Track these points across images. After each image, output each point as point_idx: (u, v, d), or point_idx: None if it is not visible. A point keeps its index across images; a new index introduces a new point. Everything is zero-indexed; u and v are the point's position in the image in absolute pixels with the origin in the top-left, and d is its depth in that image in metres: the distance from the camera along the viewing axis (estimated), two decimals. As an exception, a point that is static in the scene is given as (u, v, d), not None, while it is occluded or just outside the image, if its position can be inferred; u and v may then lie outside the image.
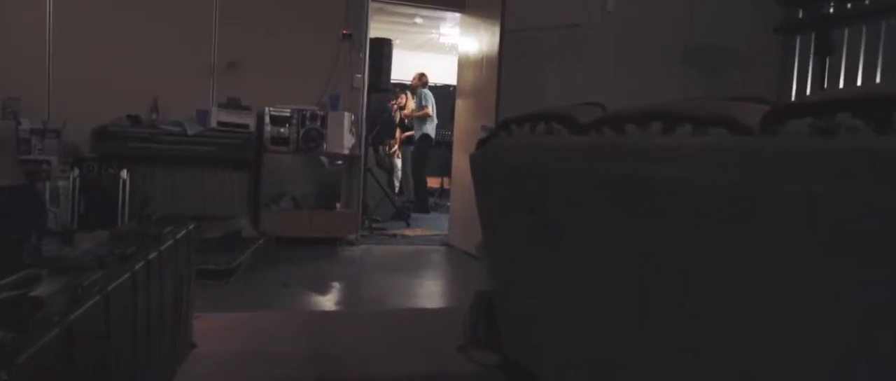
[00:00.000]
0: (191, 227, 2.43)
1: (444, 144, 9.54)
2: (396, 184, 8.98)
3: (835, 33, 4.79)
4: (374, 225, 6.52)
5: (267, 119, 5.10)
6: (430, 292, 4.42)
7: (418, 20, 9.63)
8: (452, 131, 10.23)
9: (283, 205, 5.21)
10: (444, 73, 11.16)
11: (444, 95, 11.13)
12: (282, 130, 5.11)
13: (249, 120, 5.14)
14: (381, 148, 9.81)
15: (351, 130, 5.40)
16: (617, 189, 1.49)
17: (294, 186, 5.43)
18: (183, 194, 5.04)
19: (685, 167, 1.22)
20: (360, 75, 5.66)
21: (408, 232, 6.55)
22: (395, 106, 9.14)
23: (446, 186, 10.33)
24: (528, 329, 2.23)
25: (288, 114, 5.15)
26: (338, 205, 5.47)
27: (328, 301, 3.91)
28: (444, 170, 10.12)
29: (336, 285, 4.30)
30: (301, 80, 5.49)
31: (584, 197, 1.64)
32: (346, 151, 5.35)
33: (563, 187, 1.75)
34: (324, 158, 5.48)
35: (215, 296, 3.63)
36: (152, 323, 1.82)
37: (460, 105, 5.88)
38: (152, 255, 1.84)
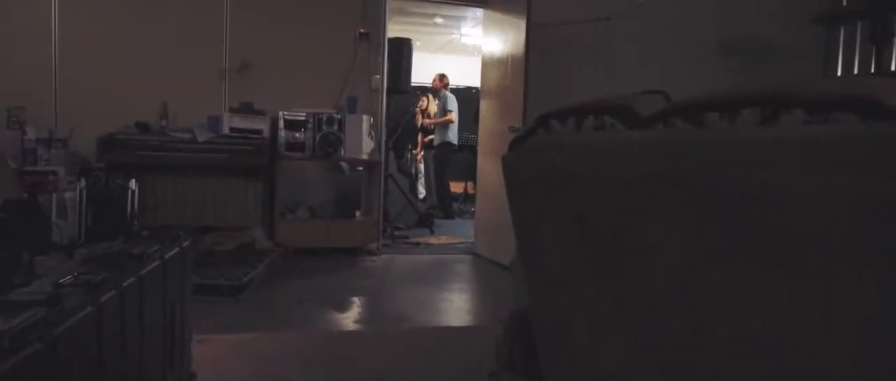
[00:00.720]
0: (185, 243, 2.15)
1: (467, 147, 9.28)
2: (420, 190, 8.71)
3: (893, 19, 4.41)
4: (396, 233, 6.23)
5: (281, 124, 4.84)
6: (457, 307, 4.12)
7: (438, 20, 9.34)
8: (476, 134, 9.98)
9: (300, 214, 4.95)
10: (465, 74, 10.88)
11: (467, 97, 10.83)
12: (297, 135, 4.85)
13: (263, 125, 4.89)
14: (407, 153, 9.57)
15: (370, 134, 5.12)
16: (694, 198, 1.17)
17: (311, 194, 5.17)
18: (194, 205, 4.80)
19: (805, 170, 0.90)
20: (378, 76, 5.38)
21: (432, 240, 6.26)
22: (418, 110, 8.88)
23: (470, 190, 10.05)
24: (573, 358, 1.92)
25: (303, 118, 4.88)
26: (357, 213, 5.20)
27: (346, 319, 3.62)
28: (468, 174, 9.84)
29: (355, 300, 4.02)
30: (316, 82, 5.23)
31: (646, 206, 1.33)
32: (365, 157, 5.07)
33: (618, 194, 1.43)
34: (343, 164, 5.21)
35: (225, 314, 3.36)
36: (130, 363, 1.54)
37: (485, 106, 5.57)
38: (129, 281, 1.56)
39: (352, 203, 5.20)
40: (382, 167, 5.39)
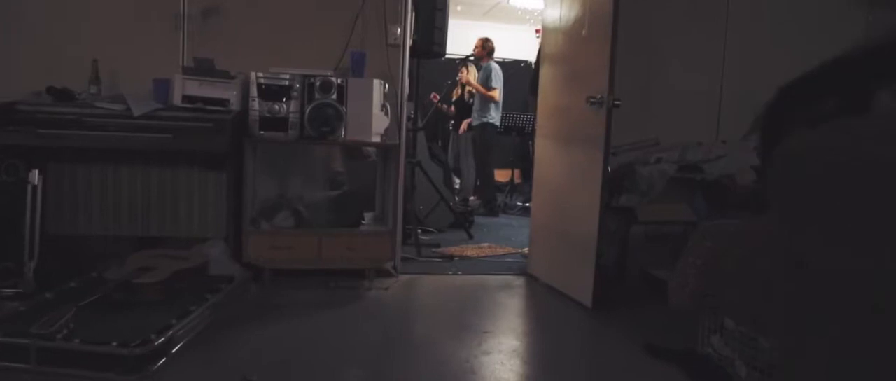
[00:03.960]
0: None
1: (514, 129, 7.75)
2: (456, 182, 7.19)
3: None
4: (424, 238, 4.74)
5: (253, 91, 3.33)
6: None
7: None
8: (527, 113, 8.39)
9: (280, 221, 3.44)
10: (514, 46, 9.24)
11: (515, 72, 9.24)
12: (277, 106, 3.33)
13: (230, 93, 3.38)
14: (440, 136, 8.03)
15: (384, 106, 3.58)
16: None
17: (297, 192, 3.66)
18: (128, 207, 3.33)
19: None
20: (398, 29, 3.82)
21: (470, 250, 4.72)
22: (438, 99, 7.37)
23: (517, 179, 8.48)
24: None
25: (286, 82, 3.36)
26: (365, 219, 3.67)
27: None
28: (514, 161, 8.31)
29: (342, 376, 2.50)
30: (309, 32, 3.71)
31: None
32: (378, 138, 3.53)
33: None
34: (366, 150, 3.70)
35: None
36: None
37: (546, 75, 3.97)
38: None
39: (357, 205, 3.67)
40: (401, 153, 3.83)
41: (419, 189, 5.34)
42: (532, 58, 9.99)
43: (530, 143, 8.14)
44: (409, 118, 5.26)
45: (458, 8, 8.60)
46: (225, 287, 2.93)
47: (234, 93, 3.39)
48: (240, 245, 3.34)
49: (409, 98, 5.53)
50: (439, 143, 7.78)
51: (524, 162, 8.20)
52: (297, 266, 3.41)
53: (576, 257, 3.46)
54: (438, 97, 7.39)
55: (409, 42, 3.97)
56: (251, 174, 3.43)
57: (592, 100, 3.22)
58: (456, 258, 4.46)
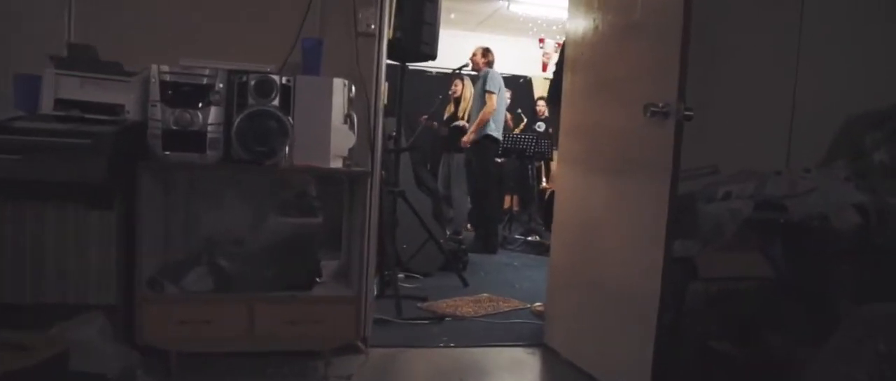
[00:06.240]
0: None
1: (513, 151, 6.81)
2: (449, 212, 6.17)
3: None
4: (405, 286, 3.74)
5: (154, 91, 2.28)
6: None
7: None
8: (532, 134, 7.39)
9: (194, 282, 2.37)
10: (513, 59, 8.24)
11: (515, 89, 8.28)
12: (189, 115, 2.28)
13: (126, 97, 2.34)
14: (429, 159, 7.01)
15: (349, 118, 2.54)
16: None
17: (219, 238, 2.58)
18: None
19: None
20: (373, 12, 2.79)
21: (465, 306, 3.68)
22: (428, 120, 6.41)
23: (516, 208, 7.45)
24: None
25: (204, 80, 2.32)
26: (321, 276, 2.60)
27: None
28: (512, 187, 7.33)
29: None
30: (242, 13, 2.67)
31: None
32: (339, 162, 2.49)
33: None
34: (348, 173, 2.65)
35: None
36: None
37: (575, 83, 2.95)
38: None
39: (311, 255, 2.60)
40: (372, 182, 2.77)
41: (403, 224, 4.32)
42: (535, 73, 9.04)
43: (530, 166, 7.15)
44: (390, 137, 4.24)
45: (452, 16, 7.61)
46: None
47: (132, 96, 2.35)
48: (132, 319, 2.27)
49: (390, 112, 4.51)
50: (428, 167, 6.76)
51: (523, 187, 7.23)
52: (218, 348, 2.34)
53: (620, 328, 2.44)
54: (426, 117, 6.42)
55: (387, 33, 2.95)
56: (152, 214, 2.37)
57: (654, 109, 2.19)
58: (448, 319, 3.42)
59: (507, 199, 7.38)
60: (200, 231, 2.56)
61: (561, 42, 8.25)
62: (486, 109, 5.48)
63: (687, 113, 2.17)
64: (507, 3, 7.44)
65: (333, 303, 2.44)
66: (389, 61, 3.63)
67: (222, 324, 2.32)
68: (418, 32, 3.73)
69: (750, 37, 3.26)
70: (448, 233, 5.50)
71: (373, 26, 2.77)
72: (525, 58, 8.67)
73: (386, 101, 3.90)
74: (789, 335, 2.82)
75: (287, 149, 2.34)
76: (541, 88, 8.95)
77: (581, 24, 2.85)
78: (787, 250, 2.87)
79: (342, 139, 2.46)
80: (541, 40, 8.53)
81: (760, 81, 3.33)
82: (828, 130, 3.35)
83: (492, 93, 5.47)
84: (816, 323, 2.78)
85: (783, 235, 2.86)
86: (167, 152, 2.28)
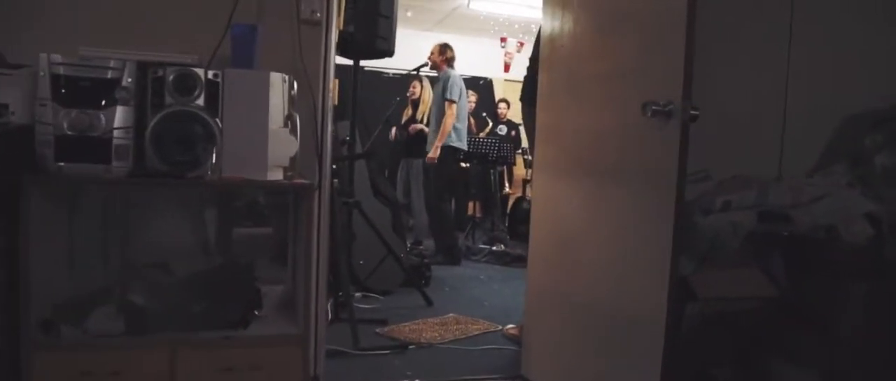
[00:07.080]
0: None
1: (475, 156, 6.51)
2: (409, 222, 5.80)
3: None
4: (362, 307, 3.35)
5: (46, 87, 1.83)
6: None
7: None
8: (496, 138, 7.06)
9: (99, 324, 1.92)
10: (474, 61, 7.88)
11: (475, 91, 7.94)
12: (90, 117, 1.84)
13: (11, 95, 1.89)
14: (386, 167, 6.60)
15: (290, 120, 2.13)
16: None
17: (133, 266, 2.13)
18: None
19: None
20: (315, 7, 2.38)
21: (429, 330, 3.30)
22: (409, 99, 6.07)
23: (478, 215, 7.11)
24: None
25: (109, 73, 1.88)
26: (260, 309, 2.18)
27: None
28: (474, 193, 7.00)
29: None
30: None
31: None
32: (279, 173, 2.07)
33: None
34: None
35: None
36: None
37: (553, 82, 2.59)
38: None
39: (247, 285, 2.17)
40: (320, 197, 2.37)
41: (359, 238, 3.92)
42: (497, 74, 8.72)
43: (492, 171, 6.83)
44: (343, 142, 3.85)
45: (409, 14, 7.23)
46: None
47: (18, 94, 1.89)
48: (19, 370, 1.82)
49: (342, 115, 4.10)
50: (386, 174, 6.37)
51: (486, 193, 6.91)
52: (128, 404, 1.90)
53: (613, 357, 2.10)
54: (396, 128, 6.08)
55: (337, 22, 2.55)
56: (46, 240, 1.91)
57: (655, 108, 1.84)
58: (411, 347, 3.03)
59: (469, 205, 7.05)
60: (110, 260, 2.10)
61: (523, 41, 8.00)
62: (446, 120, 5.12)
63: (694, 112, 1.83)
64: (466, 1, 7.09)
65: (276, 344, 2.02)
66: (342, 60, 3.24)
67: (136, 375, 1.88)
68: (373, 26, 3.35)
69: (740, 34, 2.97)
70: (409, 243, 5.11)
71: (318, 14, 2.37)
72: (486, 58, 8.35)
73: (336, 101, 3.50)
74: (794, 361, 2.53)
75: (214, 158, 1.92)
76: (502, 90, 8.64)
77: (558, 14, 2.49)
78: (791, 267, 2.57)
79: (282, 146, 2.05)
80: (502, 39, 8.21)
81: (751, 80, 3.04)
82: (823, 131, 3.09)
83: (452, 102, 5.11)
84: (824, 347, 2.50)
85: (787, 249, 2.57)
86: (61, 164, 1.83)
